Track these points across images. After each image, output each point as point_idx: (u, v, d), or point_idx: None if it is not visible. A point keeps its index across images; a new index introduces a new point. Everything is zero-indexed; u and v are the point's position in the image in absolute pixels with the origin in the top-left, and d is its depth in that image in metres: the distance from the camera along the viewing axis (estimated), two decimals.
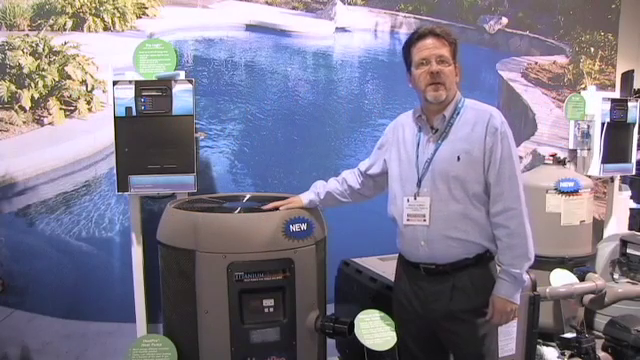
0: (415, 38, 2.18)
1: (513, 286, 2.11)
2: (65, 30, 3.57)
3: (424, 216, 2.15)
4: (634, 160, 4.21)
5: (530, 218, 2.14)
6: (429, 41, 2.14)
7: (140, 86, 2.90)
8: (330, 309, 2.89)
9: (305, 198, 2.50)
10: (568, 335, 3.03)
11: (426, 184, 2.15)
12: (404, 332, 2.37)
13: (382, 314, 2.69)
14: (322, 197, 2.49)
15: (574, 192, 3.72)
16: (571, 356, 2.95)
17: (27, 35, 3.51)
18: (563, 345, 3.02)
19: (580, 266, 3.19)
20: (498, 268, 2.15)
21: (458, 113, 2.18)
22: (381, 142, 2.43)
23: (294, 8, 4.12)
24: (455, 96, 2.20)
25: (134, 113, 2.89)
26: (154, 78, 2.95)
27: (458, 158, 2.11)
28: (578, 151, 4.18)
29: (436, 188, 2.13)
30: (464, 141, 2.13)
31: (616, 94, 4.46)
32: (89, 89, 3.58)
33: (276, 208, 2.46)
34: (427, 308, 2.20)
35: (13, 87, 3.46)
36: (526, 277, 2.15)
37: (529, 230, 2.11)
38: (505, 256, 2.11)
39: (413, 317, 2.25)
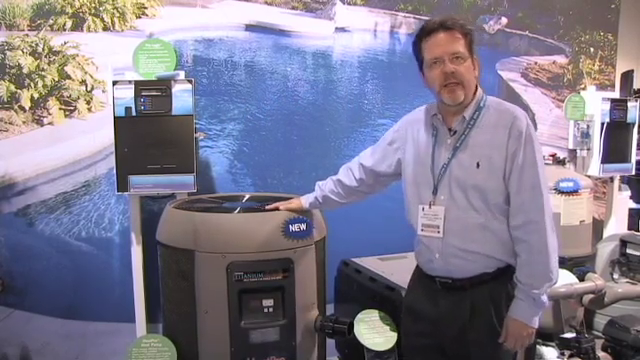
0: (425, 33, 1.94)
1: (531, 308, 1.91)
2: (65, 30, 3.57)
3: (438, 227, 1.96)
4: (634, 160, 4.21)
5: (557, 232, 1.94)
6: (440, 36, 1.90)
7: (140, 86, 2.90)
8: (330, 309, 2.89)
9: (306, 202, 2.43)
10: (568, 335, 3.03)
11: (443, 191, 1.96)
12: (411, 345, 2.18)
13: (382, 314, 2.70)
14: (321, 201, 2.39)
15: (574, 192, 3.72)
16: (571, 356, 2.94)
17: (27, 35, 3.51)
18: (563, 345, 3.01)
19: (580, 266, 3.18)
20: (516, 286, 1.95)
21: (480, 114, 1.96)
22: (392, 137, 2.20)
23: (294, 8, 4.12)
24: (476, 94, 1.97)
25: (134, 113, 2.89)
26: (154, 78, 2.95)
27: (478, 165, 1.91)
28: (578, 151, 4.17)
29: (453, 197, 1.95)
30: (485, 146, 1.92)
31: (616, 94, 4.46)
32: (89, 89, 3.58)
33: (277, 208, 2.44)
34: (441, 327, 2.01)
35: (13, 87, 3.46)
36: (547, 300, 1.94)
37: (553, 247, 1.91)
38: (523, 274, 1.91)
39: (424, 332, 2.07)
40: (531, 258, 1.91)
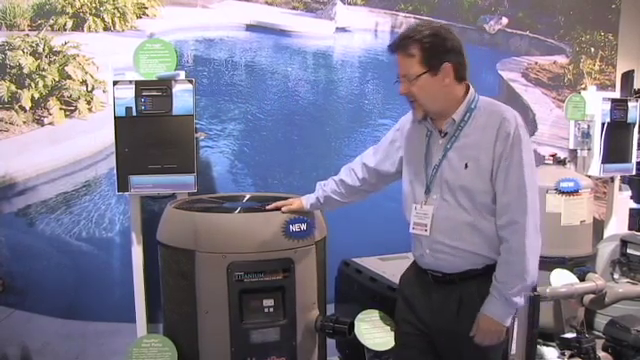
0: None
1: (502, 307, 1.94)
2: (65, 30, 3.57)
3: (426, 226, 2.02)
4: (634, 160, 4.21)
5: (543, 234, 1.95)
6: (397, 56, 1.96)
7: (140, 86, 2.90)
8: (330, 309, 2.89)
9: (307, 202, 2.43)
10: (568, 335, 3.03)
11: (435, 191, 2.01)
12: (403, 331, 2.21)
13: (382, 314, 2.70)
14: (322, 202, 2.40)
15: (574, 192, 3.72)
16: (571, 356, 2.94)
17: (27, 35, 3.50)
18: (563, 345, 3.01)
19: (580, 266, 3.18)
20: (492, 283, 1.97)
21: (470, 115, 1.98)
22: (393, 136, 2.24)
23: (294, 8, 4.12)
24: (467, 96, 1.99)
25: (134, 113, 2.89)
26: (154, 78, 2.95)
27: (466, 166, 1.95)
28: (578, 151, 4.17)
29: (443, 197, 2.00)
30: (473, 147, 1.95)
31: (616, 94, 4.46)
32: (89, 89, 3.58)
33: (278, 208, 2.44)
34: (433, 318, 2.06)
35: (13, 87, 3.46)
36: (520, 301, 1.95)
37: (532, 248, 1.91)
38: (500, 272, 1.94)
39: (416, 324, 2.11)
40: (509, 258, 1.93)
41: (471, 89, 2.02)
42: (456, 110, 1.98)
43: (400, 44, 1.94)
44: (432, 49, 1.91)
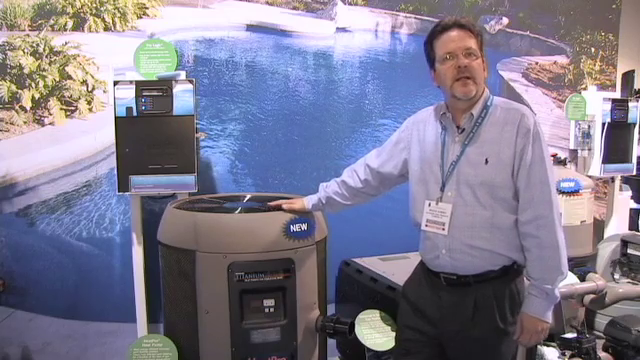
0: (438, 31, 1.99)
1: (544, 303, 1.95)
2: (66, 30, 3.57)
3: (443, 224, 1.99)
4: (635, 160, 4.21)
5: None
6: (454, 33, 1.96)
7: (141, 86, 2.90)
8: (331, 309, 2.89)
9: (309, 203, 2.43)
10: (569, 335, 3.03)
11: (450, 188, 1.99)
12: (406, 337, 2.17)
13: (383, 314, 2.69)
14: (324, 202, 2.40)
15: (575, 192, 3.72)
16: (572, 356, 2.94)
17: (28, 35, 3.51)
18: (564, 345, 3.01)
19: (581, 266, 3.18)
20: (527, 282, 1.99)
21: (487, 112, 2.00)
22: (398, 138, 2.23)
23: (295, 8, 4.13)
24: (484, 93, 2.02)
25: (135, 113, 2.89)
26: (155, 78, 2.95)
27: (486, 161, 1.95)
28: (579, 151, 4.17)
29: (461, 193, 1.98)
30: (493, 143, 1.96)
31: (617, 94, 4.46)
32: (90, 89, 3.58)
33: (279, 206, 2.45)
34: (444, 322, 2.03)
35: (14, 87, 3.46)
36: (558, 293, 1.97)
37: (562, 241, 1.93)
38: (535, 269, 1.95)
39: (423, 329, 2.08)
40: (542, 253, 1.93)
41: (486, 89, 2.05)
42: (474, 105, 2.00)
43: (467, 22, 1.99)
44: (482, 41, 2.01)
